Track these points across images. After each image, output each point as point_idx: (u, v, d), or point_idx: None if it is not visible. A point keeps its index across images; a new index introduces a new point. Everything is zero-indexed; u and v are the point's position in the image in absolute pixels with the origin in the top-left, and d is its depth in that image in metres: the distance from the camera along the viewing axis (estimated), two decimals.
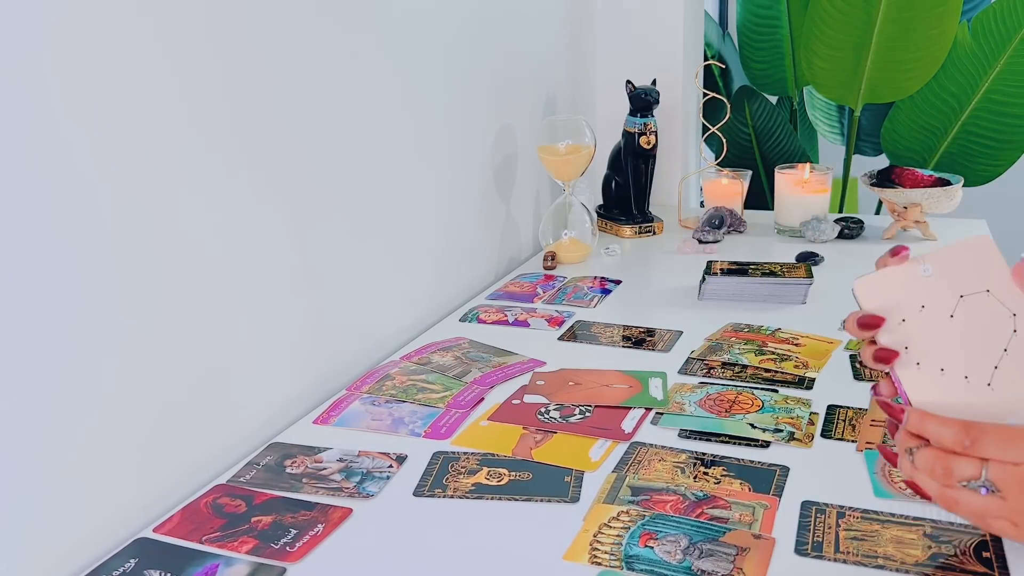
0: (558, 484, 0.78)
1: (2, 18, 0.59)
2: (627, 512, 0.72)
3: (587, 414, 0.90)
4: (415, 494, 0.77)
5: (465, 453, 0.84)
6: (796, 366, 0.99)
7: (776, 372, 0.98)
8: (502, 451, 0.84)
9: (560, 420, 0.89)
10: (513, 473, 0.80)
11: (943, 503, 0.58)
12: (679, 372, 0.99)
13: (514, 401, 0.94)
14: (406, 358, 1.06)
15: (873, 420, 0.86)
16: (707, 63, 1.99)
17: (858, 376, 0.96)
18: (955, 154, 2.14)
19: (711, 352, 1.04)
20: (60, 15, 0.64)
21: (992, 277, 0.57)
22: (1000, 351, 0.56)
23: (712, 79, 2.38)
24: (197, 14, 0.76)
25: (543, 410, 0.91)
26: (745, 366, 1.00)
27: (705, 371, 0.99)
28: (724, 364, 1.01)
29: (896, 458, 0.61)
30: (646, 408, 0.90)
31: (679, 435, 0.85)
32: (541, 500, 0.75)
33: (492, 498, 0.76)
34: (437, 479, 0.79)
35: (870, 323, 0.60)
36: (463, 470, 0.81)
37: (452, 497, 0.76)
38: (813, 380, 0.95)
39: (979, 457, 0.55)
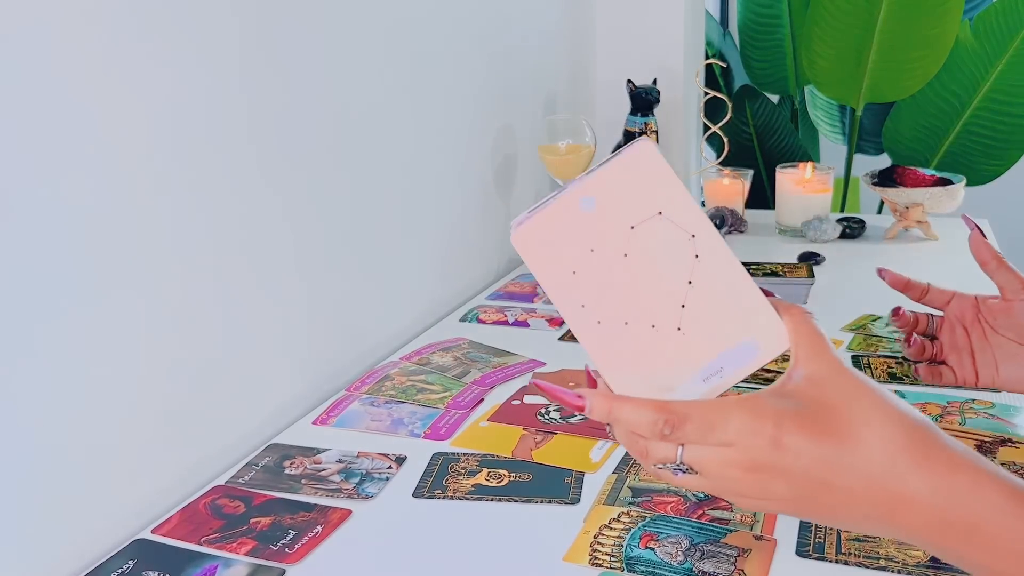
0: (558, 485, 0.77)
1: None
2: (628, 513, 0.72)
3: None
4: (415, 495, 0.77)
5: (465, 454, 0.83)
6: None
7: (777, 373, 0.97)
8: (502, 452, 0.83)
9: (560, 421, 0.89)
10: (513, 474, 0.79)
11: (652, 475, 0.51)
12: None
13: (514, 402, 0.93)
14: (406, 358, 1.06)
15: None
16: (708, 62, 1.98)
17: None
18: (957, 153, 2.13)
19: None
20: (55, 15, 0.64)
21: (662, 195, 0.46)
22: (685, 285, 0.47)
23: (713, 78, 2.37)
24: (202, 12, 0.76)
25: (543, 411, 0.91)
26: None
27: None
28: None
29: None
30: None
31: None
32: (541, 501, 0.75)
33: (492, 499, 0.76)
34: (437, 480, 0.79)
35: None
36: (463, 471, 0.80)
37: (452, 498, 0.76)
38: None
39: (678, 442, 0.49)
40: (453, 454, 0.83)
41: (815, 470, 0.46)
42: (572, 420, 0.89)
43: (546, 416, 0.90)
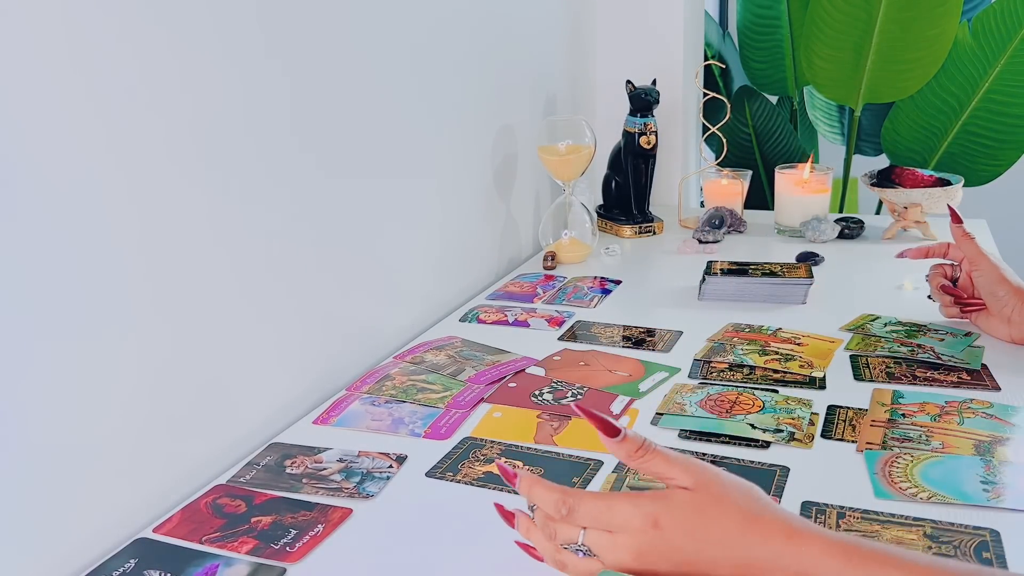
0: (563, 484, 0.77)
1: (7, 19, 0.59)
2: None
3: (579, 396, 0.94)
4: (427, 475, 0.79)
5: (491, 442, 0.85)
6: (801, 366, 0.98)
7: (784, 372, 0.97)
8: (524, 440, 0.85)
9: (553, 402, 0.92)
10: (527, 467, 0.80)
11: (553, 565, 0.61)
12: (688, 376, 0.99)
13: (510, 384, 0.97)
14: (399, 357, 1.06)
15: (873, 420, 0.86)
16: (707, 63, 1.99)
17: (858, 376, 0.96)
18: (955, 154, 2.14)
19: (715, 353, 1.03)
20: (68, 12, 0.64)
21: None
22: None
23: (712, 79, 2.38)
24: (209, 11, 0.76)
25: (536, 391, 0.95)
26: (753, 367, 0.99)
27: (715, 374, 0.98)
28: (732, 367, 1.00)
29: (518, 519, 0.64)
30: (630, 397, 0.93)
31: (679, 436, 0.85)
32: None
33: (494, 488, 0.77)
34: (454, 464, 0.81)
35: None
36: (482, 458, 0.82)
37: (460, 482, 0.78)
38: (824, 379, 0.95)
39: (578, 525, 0.59)
40: (480, 440, 0.85)
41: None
42: (563, 402, 0.93)
43: (539, 398, 0.94)
